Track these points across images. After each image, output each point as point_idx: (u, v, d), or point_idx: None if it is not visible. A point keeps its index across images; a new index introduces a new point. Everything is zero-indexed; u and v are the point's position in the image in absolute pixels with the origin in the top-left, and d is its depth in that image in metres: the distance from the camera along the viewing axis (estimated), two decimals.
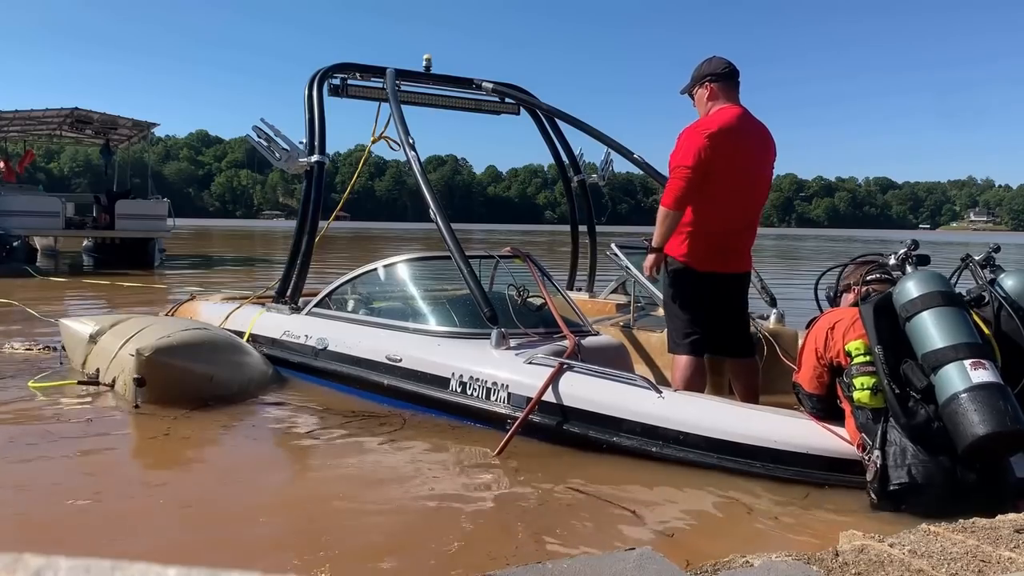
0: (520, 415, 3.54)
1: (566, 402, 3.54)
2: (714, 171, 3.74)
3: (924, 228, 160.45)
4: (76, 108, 16.45)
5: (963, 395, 2.64)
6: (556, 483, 3.11)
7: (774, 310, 4.69)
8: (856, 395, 2.90)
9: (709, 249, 3.87)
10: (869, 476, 2.83)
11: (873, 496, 2.82)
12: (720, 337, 4.04)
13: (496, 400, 3.76)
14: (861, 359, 2.94)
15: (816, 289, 3.75)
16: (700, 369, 3.89)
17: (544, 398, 3.55)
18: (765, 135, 3.98)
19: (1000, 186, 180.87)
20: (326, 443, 3.65)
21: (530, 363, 3.77)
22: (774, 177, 4.36)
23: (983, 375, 2.66)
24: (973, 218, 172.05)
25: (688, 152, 3.74)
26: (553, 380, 3.58)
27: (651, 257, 3.97)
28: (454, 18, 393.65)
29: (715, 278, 3.92)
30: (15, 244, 13.91)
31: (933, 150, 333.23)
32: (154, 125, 18.54)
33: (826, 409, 3.14)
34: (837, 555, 1.97)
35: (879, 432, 2.82)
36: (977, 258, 3.25)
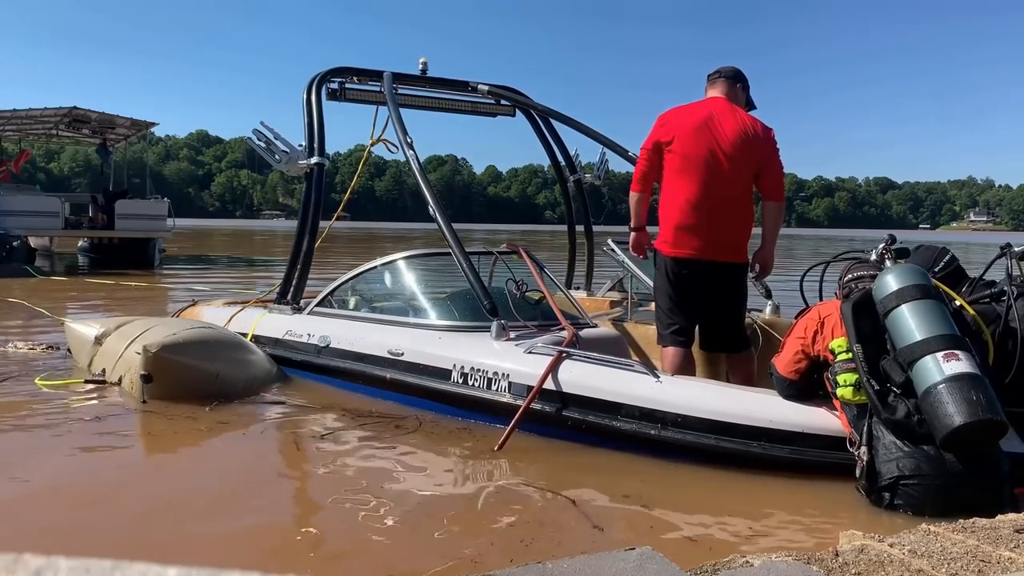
0: (521, 403, 3.57)
1: (566, 389, 3.59)
2: (676, 155, 3.86)
3: (924, 228, 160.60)
4: (74, 107, 16.40)
5: (938, 387, 2.69)
6: (556, 482, 3.11)
7: (769, 302, 4.70)
8: (840, 391, 2.97)
9: (681, 233, 3.89)
10: (857, 473, 2.87)
11: (862, 492, 2.86)
12: (714, 333, 4.06)
13: (497, 389, 3.81)
14: (844, 356, 2.99)
15: (801, 286, 3.81)
16: (686, 359, 3.89)
17: (544, 386, 3.59)
18: (745, 126, 3.92)
19: (1000, 186, 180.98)
20: (329, 442, 3.66)
21: (530, 353, 3.81)
22: None
23: (956, 366, 2.71)
24: (973, 218, 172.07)
25: (647, 137, 4.00)
26: (553, 368, 3.62)
27: (631, 236, 4.20)
28: (449, 24, 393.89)
29: (696, 266, 3.89)
30: (15, 244, 13.88)
31: (933, 150, 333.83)
32: (153, 125, 18.51)
33: (796, 396, 3.21)
34: (837, 555, 1.97)
35: (864, 428, 2.86)
36: (1017, 250, 3.27)
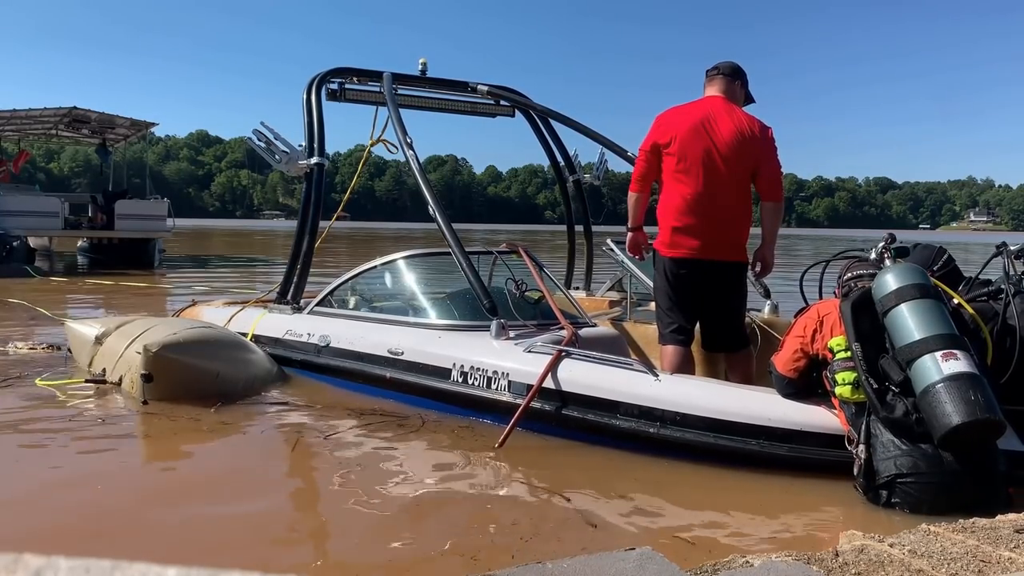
0: (521, 402, 3.58)
1: (565, 387, 3.60)
2: (673, 156, 3.86)
3: (924, 228, 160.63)
4: (74, 107, 16.39)
5: (936, 387, 2.70)
6: (556, 482, 3.11)
7: (768, 301, 4.70)
8: (839, 390, 2.98)
9: (678, 234, 3.90)
10: (855, 471, 2.87)
11: (859, 490, 2.87)
12: (713, 332, 4.07)
13: (497, 388, 3.81)
14: (843, 355, 3.01)
15: (801, 285, 3.83)
16: (686, 358, 3.90)
17: (544, 385, 3.60)
18: (741, 126, 3.91)
19: (1000, 186, 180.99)
20: (329, 442, 3.66)
21: (530, 351, 3.82)
22: None
23: (954, 366, 2.72)
24: (973, 218, 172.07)
25: (645, 139, 4.01)
26: (552, 366, 3.63)
27: (628, 237, 4.22)
28: (448, 26, 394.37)
29: (694, 266, 3.90)
30: (15, 244, 13.88)
31: (933, 150, 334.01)
32: (152, 125, 18.50)
33: (794, 394, 3.22)
34: (837, 555, 1.97)
35: (863, 426, 2.87)
36: (1013, 248, 3.28)
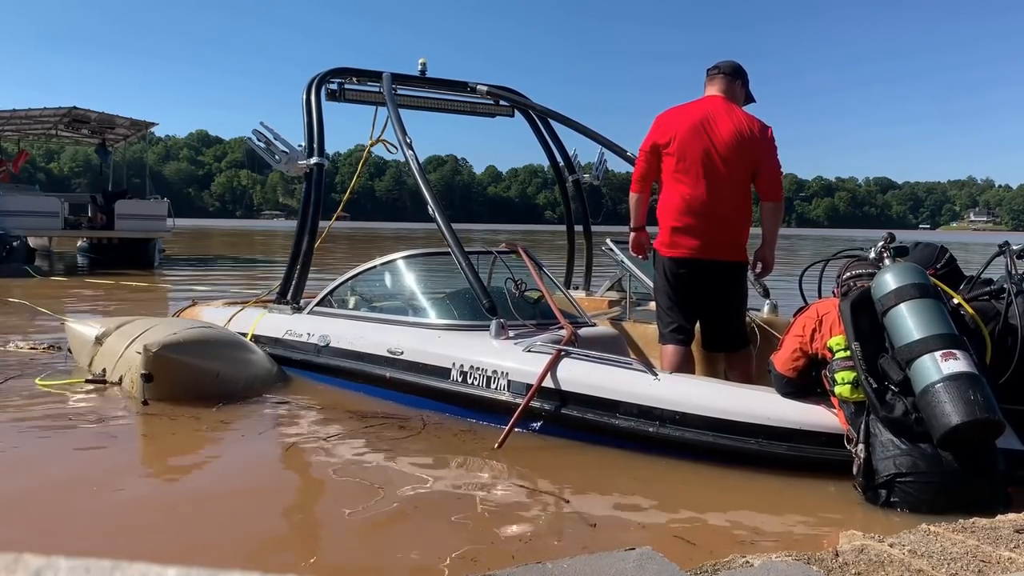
0: (520, 402, 3.59)
1: (564, 387, 3.61)
2: (673, 156, 3.87)
3: (924, 228, 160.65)
4: (74, 107, 16.39)
5: (935, 386, 2.71)
6: (556, 481, 3.12)
7: (767, 301, 4.71)
8: (838, 389, 2.99)
9: (678, 234, 3.91)
10: (854, 470, 2.88)
11: (859, 489, 2.87)
12: (713, 332, 4.08)
13: (497, 388, 3.82)
14: (842, 354, 3.01)
15: (801, 284, 3.85)
16: (686, 358, 3.91)
17: (543, 384, 3.61)
18: (741, 126, 3.91)
19: (1000, 186, 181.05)
20: (329, 442, 3.66)
21: (529, 351, 3.83)
22: None
23: (954, 365, 2.72)
24: (973, 218, 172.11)
25: (645, 139, 4.02)
26: (552, 366, 3.64)
27: (631, 237, 4.23)
28: (446, 26, 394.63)
29: (694, 265, 3.91)
30: (15, 244, 13.88)
31: (933, 150, 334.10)
32: (152, 124, 18.49)
33: (794, 394, 3.23)
34: (837, 555, 1.97)
35: (862, 426, 2.87)
36: (1015, 248, 3.29)
